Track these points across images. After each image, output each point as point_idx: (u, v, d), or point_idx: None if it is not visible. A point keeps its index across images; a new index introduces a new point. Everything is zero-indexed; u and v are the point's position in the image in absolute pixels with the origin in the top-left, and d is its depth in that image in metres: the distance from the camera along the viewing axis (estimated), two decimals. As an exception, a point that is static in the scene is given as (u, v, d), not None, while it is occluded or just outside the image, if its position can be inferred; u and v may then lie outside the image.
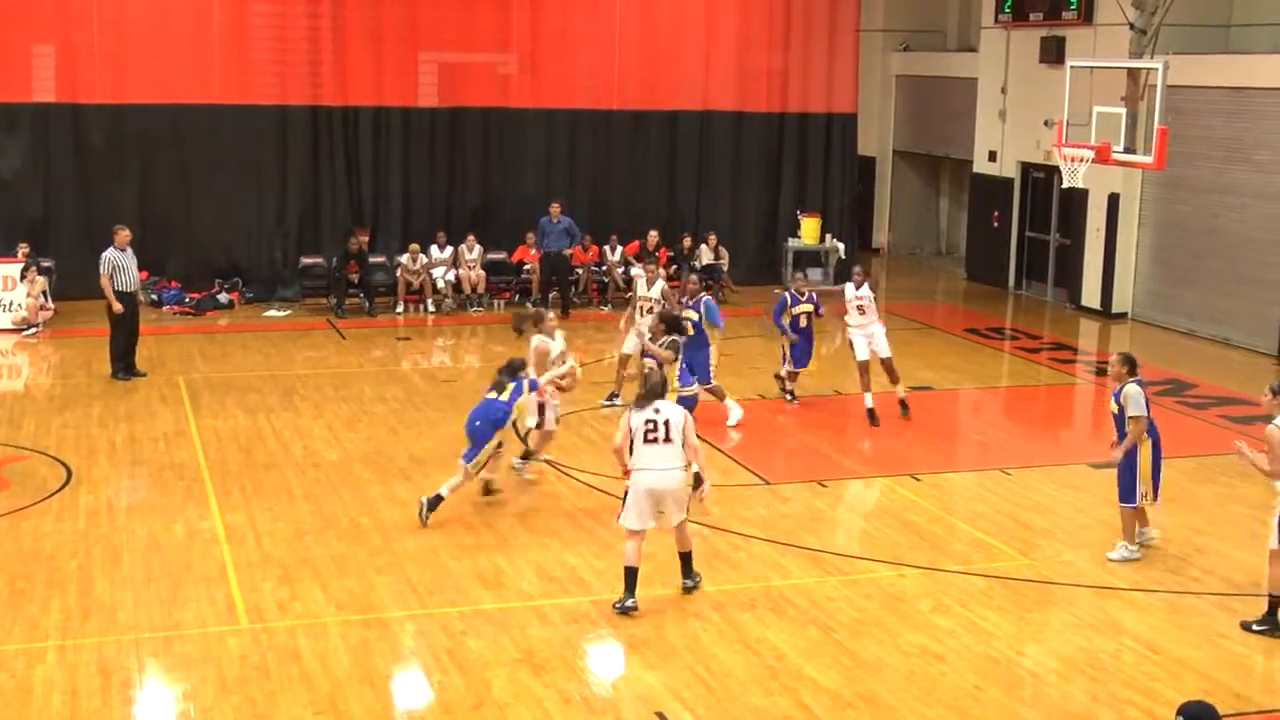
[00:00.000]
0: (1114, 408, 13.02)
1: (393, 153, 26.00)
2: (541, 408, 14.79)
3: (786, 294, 18.38)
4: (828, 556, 13.06)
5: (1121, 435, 12.93)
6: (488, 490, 14.41)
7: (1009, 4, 27.77)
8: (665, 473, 11.57)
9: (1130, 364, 13.07)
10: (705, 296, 17.58)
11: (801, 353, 18.26)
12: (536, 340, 15.26)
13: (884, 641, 11.22)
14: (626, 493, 11.76)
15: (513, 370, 14.00)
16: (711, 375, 17.23)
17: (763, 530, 13.69)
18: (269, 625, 11.23)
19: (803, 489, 15.11)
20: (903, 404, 17.81)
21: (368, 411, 17.95)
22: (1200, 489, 15.32)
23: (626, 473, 11.73)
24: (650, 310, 17.80)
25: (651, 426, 11.60)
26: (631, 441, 11.62)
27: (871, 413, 17.57)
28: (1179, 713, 6.98)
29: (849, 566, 12.84)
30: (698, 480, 12.54)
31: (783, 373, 18.57)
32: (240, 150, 25.14)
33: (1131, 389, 12.90)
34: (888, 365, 17.82)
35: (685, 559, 12.07)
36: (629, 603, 11.58)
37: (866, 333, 17.90)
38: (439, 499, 13.59)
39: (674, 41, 27.34)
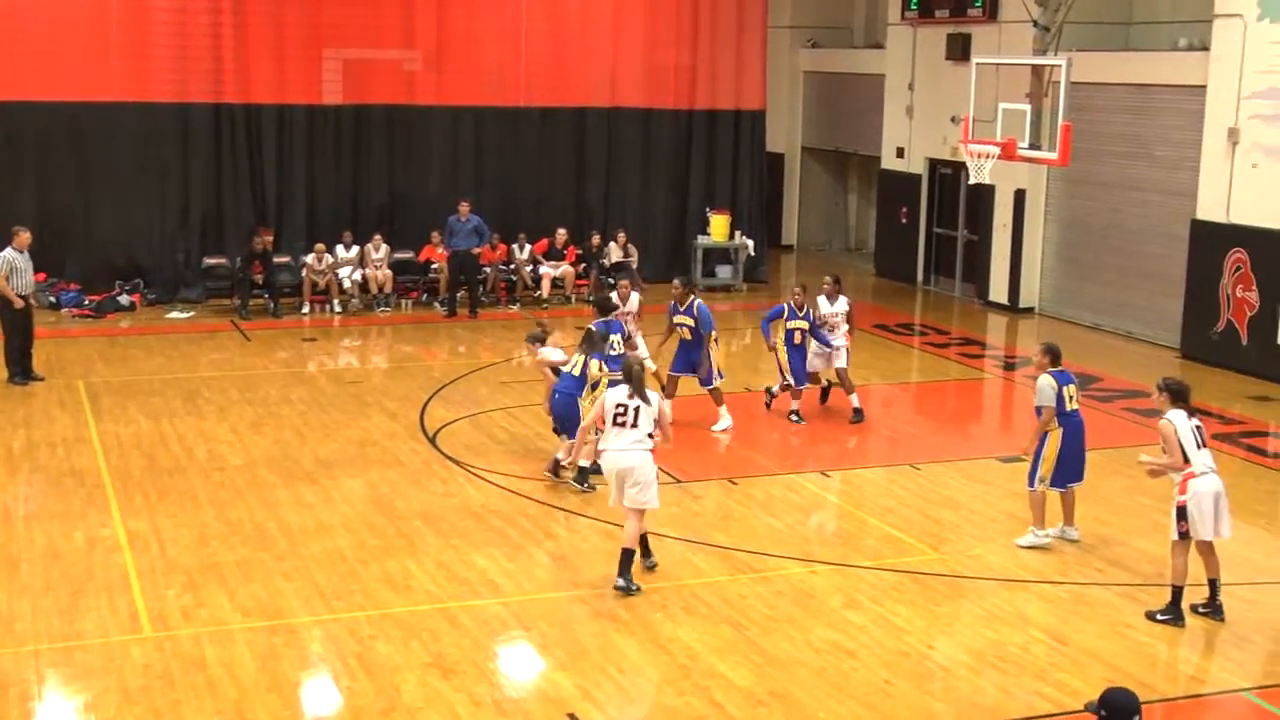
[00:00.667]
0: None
1: (297, 151, 25.77)
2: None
3: (786, 305, 17.67)
4: (739, 554, 13.11)
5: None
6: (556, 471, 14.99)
7: (915, 1, 28.04)
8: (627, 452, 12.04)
9: (1052, 354, 13.33)
10: (696, 299, 17.45)
11: (799, 371, 17.61)
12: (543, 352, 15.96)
13: (795, 638, 11.28)
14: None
15: (592, 342, 15.07)
16: (715, 378, 17.20)
17: (674, 529, 13.71)
18: (173, 633, 11.08)
19: (714, 487, 15.16)
20: (857, 411, 17.77)
21: (273, 414, 17.79)
22: (1105, 481, 15.55)
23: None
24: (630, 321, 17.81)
25: (622, 410, 12.07)
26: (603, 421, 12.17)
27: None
28: (1101, 703, 7.04)
29: (760, 564, 12.90)
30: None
31: (775, 388, 18.00)
32: (141, 149, 24.78)
33: (1042, 379, 13.15)
34: (842, 375, 17.83)
35: (642, 540, 12.37)
36: (620, 583, 11.98)
37: (826, 352, 17.70)
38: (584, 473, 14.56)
39: (582, 38, 27.32)
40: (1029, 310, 25.99)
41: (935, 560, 13.14)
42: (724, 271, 28.18)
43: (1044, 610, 11.99)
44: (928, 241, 28.88)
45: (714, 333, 17.29)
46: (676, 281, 17.51)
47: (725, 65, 28.67)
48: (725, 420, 17.30)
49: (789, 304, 17.68)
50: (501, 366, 20.92)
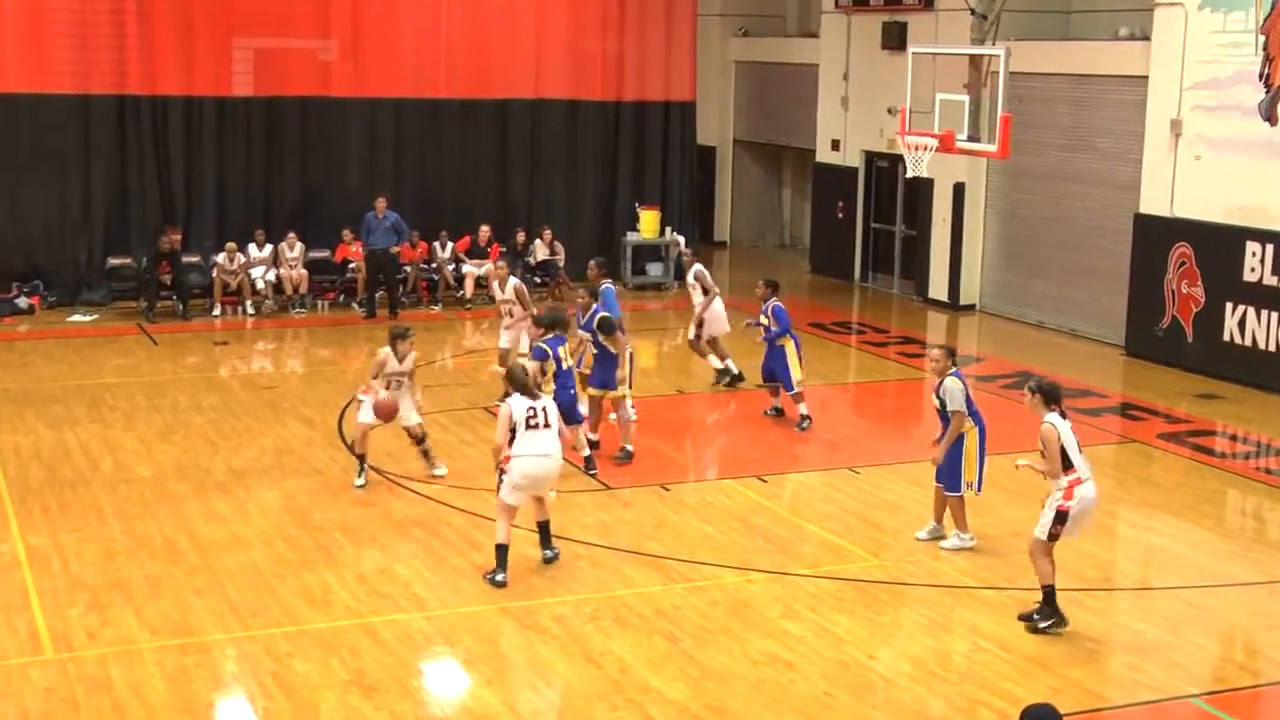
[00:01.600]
0: (935, 402, 13.40)
1: (206, 145, 25.52)
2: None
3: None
4: (672, 563, 13.12)
5: (944, 427, 13.29)
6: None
7: (849, -12, 28.22)
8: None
9: (951, 356, 13.48)
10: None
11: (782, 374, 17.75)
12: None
13: (732, 650, 11.29)
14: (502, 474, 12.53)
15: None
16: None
17: (604, 537, 13.70)
18: (77, 654, 10.94)
19: (645, 493, 15.16)
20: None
21: (183, 422, 17.62)
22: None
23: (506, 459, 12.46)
24: (512, 313, 17.87)
25: (532, 413, 12.43)
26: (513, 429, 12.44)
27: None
28: (1022, 717, 7.07)
29: (694, 573, 12.91)
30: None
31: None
32: (38, 143, 24.47)
33: (950, 382, 13.30)
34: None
35: (544, 528, 12.93)
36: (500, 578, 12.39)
37: None
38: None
39: (504, 26, 27.25)
40: (970, 307, 26.20)
41: (876, 567, 13.20)
42: (655, 269, 28.20)
43: (989, 617, 12.07)
44: (865, 237, 29.03)
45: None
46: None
47: (654, 55, 28.71)
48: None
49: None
50: (423, 370, 20.80)
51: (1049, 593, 11.77)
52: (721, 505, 14.88)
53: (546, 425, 12.40)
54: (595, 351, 16.19)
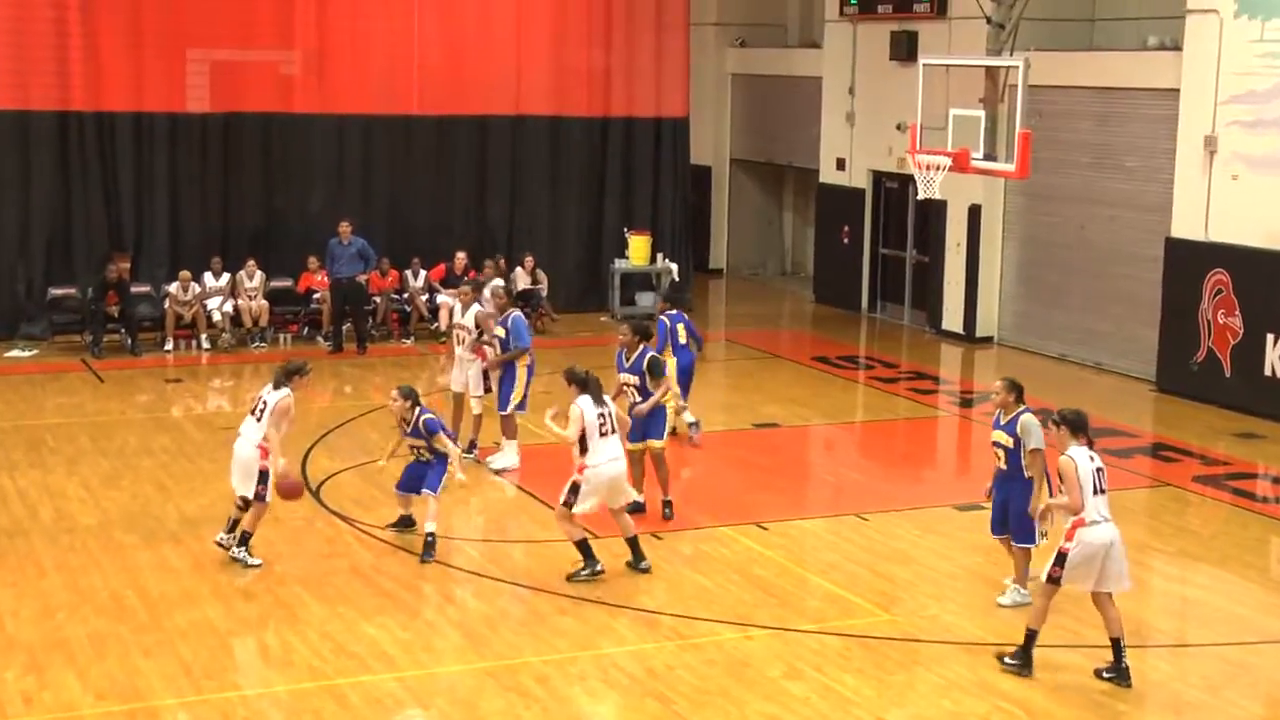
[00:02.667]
0: (1006, 439, 13.22)
1: (157, 166, 25.53)
2: None
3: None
4: (665, 618, 13.08)
5: (1014, 470, 13.16)
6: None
7: (855, -5, 28.33)
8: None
9: (1018, 391, 13.37)
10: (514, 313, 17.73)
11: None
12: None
13: (730, 713, 11.24)
14: (575, 485, 13.46)
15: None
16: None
17: (591, 591, 13.66)
18: (14, 720, 10.89)
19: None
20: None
21: (131, 466, 17.58)
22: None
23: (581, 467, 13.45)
24: (464, 341, 17.78)
25: (603, 420, 13.53)
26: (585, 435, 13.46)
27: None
28: None
29: (689, 629, 12.86)
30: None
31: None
32: (-27, 164, 24.53)
33: (1027, 419, 13.16)
34: None
35: (634, 543, 14.02)
36: (599, 567, 13.73)
37: None
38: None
39: (482, 37, 27.33)
40: (987, 340, 26.22)
41: (886, 622, 13.15)
42: (645, 299, 28.19)
43: (1008, 677, 12.01)
44: (872, 264, 29.06)
45: None
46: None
47: (643, 67, 28.77)
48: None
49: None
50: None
51: (1029, 636, 11.95)
52: (718, 555, 14.83)
53: (614, 430, 13.64)
54: (638, 400, 15.42)
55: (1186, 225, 21.98)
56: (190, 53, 25.51)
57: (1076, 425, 11.99)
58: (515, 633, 12.62)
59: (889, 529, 15.67)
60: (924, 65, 20.90)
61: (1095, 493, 11.73)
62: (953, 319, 26.70)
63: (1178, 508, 16.98)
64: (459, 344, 17.96)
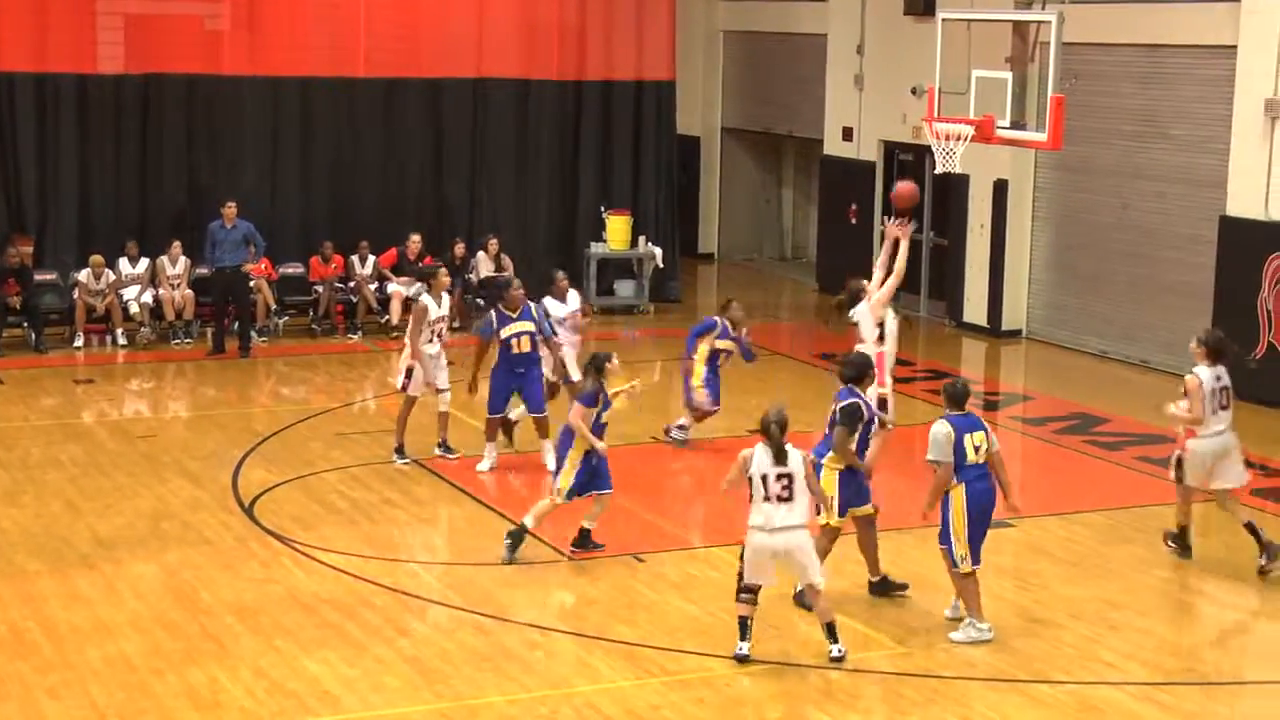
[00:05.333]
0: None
1: (64, 135, 25.50)
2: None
3: (718, 320, 19.36)
4: (648, 651, 13.09)
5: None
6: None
7: (864, -60, 28.42)
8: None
9: (951, 397, 13.56)
10: None
11: (715, 392, 19.22)
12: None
13: (723, 759, 11.29)
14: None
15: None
16: None
17: (564, 620, 13.68)
18: (-98, 770, 10.89)
19: (614, 565, 15.14)
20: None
21: (35, 480, 17.56)
22: (1114, 551, 15.73)
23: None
24: (439, 334, 18.10)
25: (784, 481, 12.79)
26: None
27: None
28: None
29: (675, 663, 12.89)
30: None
31: (684, 420, 19.24)
32: None
33: (935, 427, 13.34)
34: None
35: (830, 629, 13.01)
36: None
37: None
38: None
39: (438, -12, 27.38)
40: (1015, 334, 26.28)
41: (901, 655, 13.19)
42: (625, 288, 28.23)
43: (1039, 717, 12.06)
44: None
45: None
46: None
47: (623, 24, 28.79)
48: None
49: (723, 321, 19.14)
50: (339, 412, 20.80)
51: (1182, 530, 15.41)
52: (708, 579, 14.85)
53: (792, 497, 12.72)
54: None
55: (1244, 202, 22.06)
56: (101, 4, 25.46)
57: (1215, 350, 15.33)
58: (476, 669, 12.61)
59: (903, 550, 15.68)
60: (943, 20, 20.91)
61: (1216, 409, 15.12)
62: (976, 310, 26.75)
63: (1233, 525, 16.97)
64: (434, 340, 18.08)
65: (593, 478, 15.00)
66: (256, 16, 26.29)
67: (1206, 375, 15.15)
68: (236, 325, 24.12)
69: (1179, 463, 15.22)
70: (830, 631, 12.85)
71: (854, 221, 29.31)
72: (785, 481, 12.66)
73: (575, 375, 18.30)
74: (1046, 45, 19.10)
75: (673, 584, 14.70)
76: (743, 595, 12.82)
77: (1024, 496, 16.52)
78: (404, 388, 18.24)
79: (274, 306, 25.23)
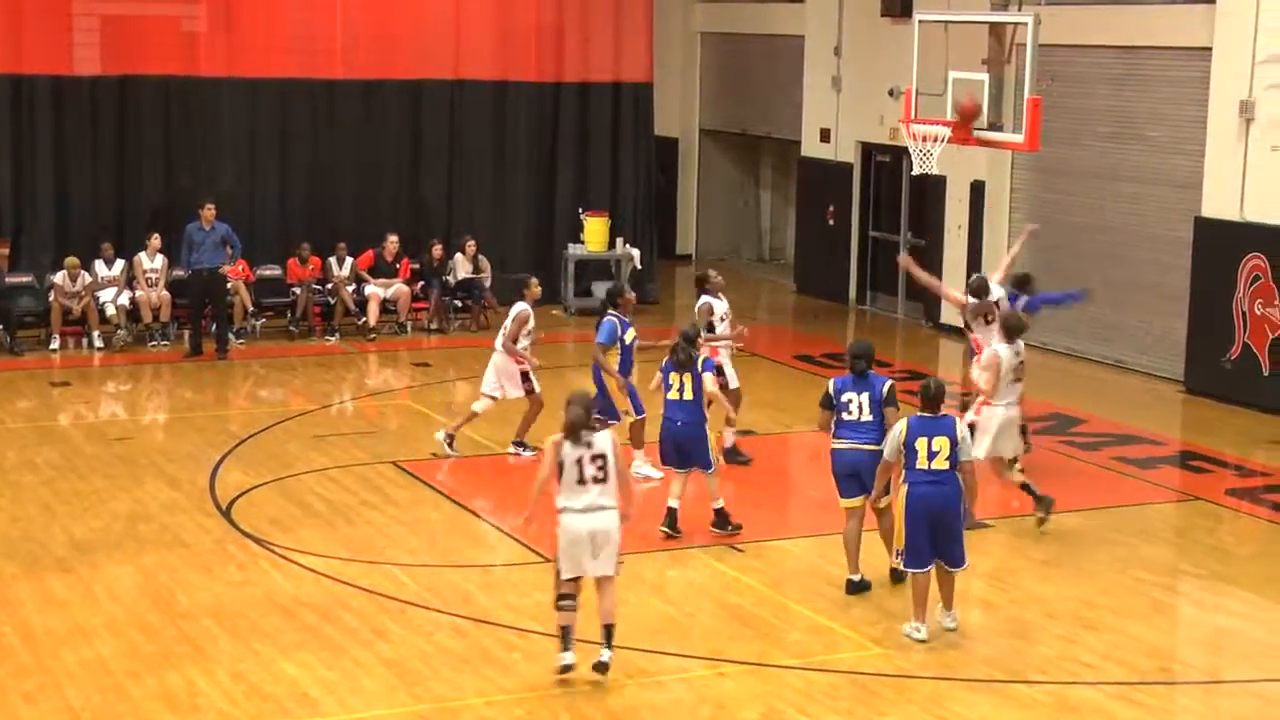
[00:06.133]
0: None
1: (40, 136, 25.42)
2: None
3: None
4: (627, 653, 13.06)
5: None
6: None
7: (841, -58, 28.43)
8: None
9: (922, 397, 13.52)
10: None
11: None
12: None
13: (701, 761, 11.29)
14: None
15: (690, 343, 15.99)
16: None
17: (542, 622, 13.64)
18: (-122, 774, 10.86)
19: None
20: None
21: (11, 483, 17.52)
22: (1092, 552, 15.74)
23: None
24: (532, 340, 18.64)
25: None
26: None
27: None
28: None
29: (653, 664, 12.89)
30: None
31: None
32: None
33: (895, 425, 13.53)
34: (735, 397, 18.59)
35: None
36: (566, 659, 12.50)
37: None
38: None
39: (415, -10, 27.35)
40: (992, 335, 26.27)
41: (878, 656, 13.19)
42: (603, 289, 28.12)
43: (1017, 718, 12.07)
44: (862, 249, 29.15)
45: None
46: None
47: (601, 25, 28.78)
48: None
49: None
50: (317, 414, 20.76)
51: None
52: (687, 580, 14.86)
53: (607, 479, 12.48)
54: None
55: (1219, 203, 22.10)
56: (77, 5, 25.42)
57: (1011, 329, 16.43)
58: (455, 671, 12.60)
59: (881, 551, 15.68)
60: (920, 22, 20.97)
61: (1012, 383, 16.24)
62: (953, 312, 26.72)
63: (1209, 525, 17.06)
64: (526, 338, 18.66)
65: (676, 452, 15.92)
66: (234, 18, 26.24)
67: (1006, 352, 16.20)
68: (214, 327, 24.08)
69: (973, 429, 15.56)
70: (608, 635, 12.50)
71: (832, 223, 29.33)
72: (600, 462, 12.43)
73: (734, 383, 18.69)
74: (1023, 47, 19.16)
75: (651, 585, 14.69)
76: (563, 602, 12.44)
77: (1006, 496, 16.70)
78: (529, 392, 18.63)
79: (251, 308, 25.18)
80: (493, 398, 18.65)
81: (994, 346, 16.41)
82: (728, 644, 13.38)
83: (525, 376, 18.54)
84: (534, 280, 19.49)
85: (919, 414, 13.39)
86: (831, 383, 14.47)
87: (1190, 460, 19.55)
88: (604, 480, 12.40)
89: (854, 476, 14.27)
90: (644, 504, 17.19)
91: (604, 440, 12.47)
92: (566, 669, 12.37)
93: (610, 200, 28.90)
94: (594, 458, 12.41)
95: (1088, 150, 24.65)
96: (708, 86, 33.18)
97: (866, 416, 14.19)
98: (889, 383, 14.42)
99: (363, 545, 15.54)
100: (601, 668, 12.35)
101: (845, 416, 14.27)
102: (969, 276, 26.14)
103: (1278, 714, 12.28)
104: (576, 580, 12.42)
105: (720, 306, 18.58)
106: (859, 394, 14.24)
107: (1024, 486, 16.23)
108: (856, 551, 14.45)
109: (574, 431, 12.32)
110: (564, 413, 12.42)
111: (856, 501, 14.35)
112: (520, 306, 18.70)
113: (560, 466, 12.34)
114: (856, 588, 14.41)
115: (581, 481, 12.37)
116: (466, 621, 13.62)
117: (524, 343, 18.60)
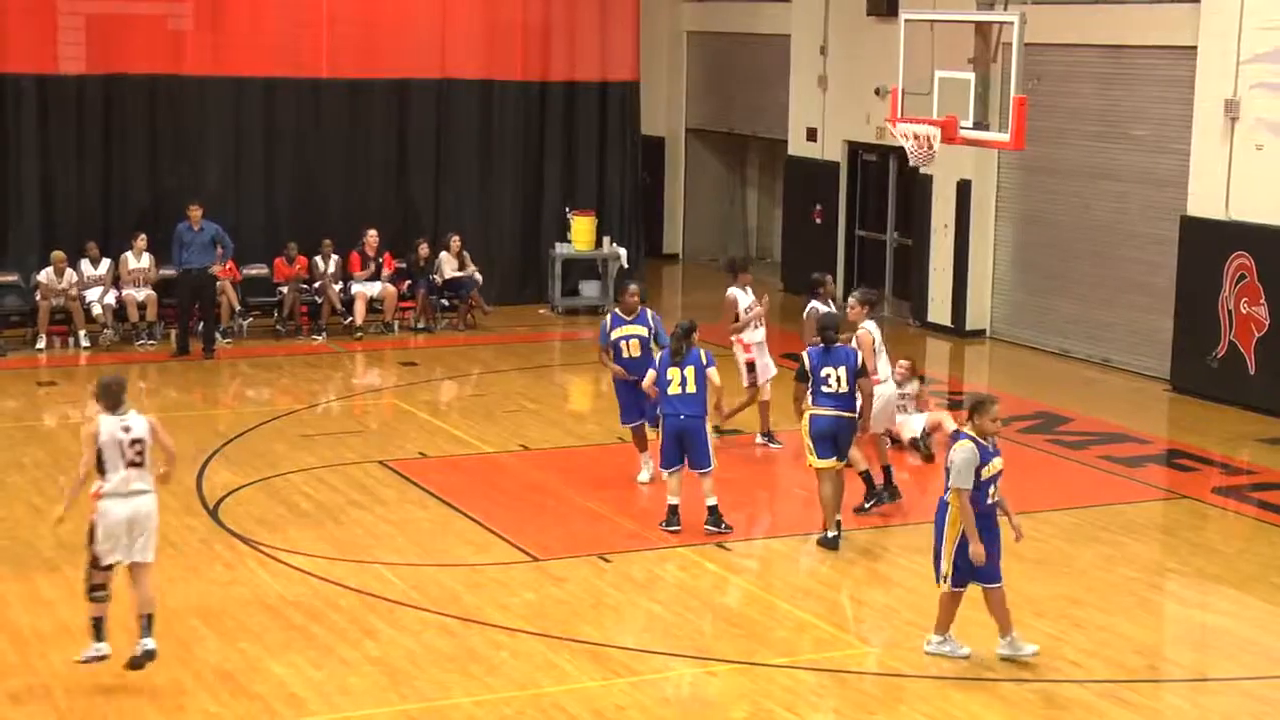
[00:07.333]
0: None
1: (25, 136, 25.35)
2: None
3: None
4: (614, 652, 13.09)
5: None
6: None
7: (828, -59, 28.43)
8: None
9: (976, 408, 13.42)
10: None
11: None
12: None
13: (689, 760, 11.29)
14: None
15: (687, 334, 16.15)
16: None
17: (530, 621, 13.66)
18: None
19: (580, 565, 15.13)
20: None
21: (-2, 482, 17.50)
22: (1079, 550, 15.76)
23: None
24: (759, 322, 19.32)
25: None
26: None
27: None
28: None
29: (641, 663, 12.89)
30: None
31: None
32: None
33: (959, 449, 12.98)
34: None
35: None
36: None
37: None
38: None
39: (401, -11, 27.32)
40: (978, 334, 26.33)
41: (866, 655, 13.21)
42: (590, 289, 28.20)
43: (1006, 716, 12.08)
44: (848, 248, 29.16)
45: None
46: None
47: (587, 24, 28.76)
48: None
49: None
50: (304, 415, 20.73)
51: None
52: (674, 579, 14.86)
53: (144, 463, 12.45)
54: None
55: (1204, 202, 22.12)
56: (62, 4, 25.35)
57: (869, 303, 16.88)
58: (443, 670, 12.58)
59: (869, 549, 15.72)
60: (906, 21, 20.96)
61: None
62: (940, 310, 26.79)
63: (1195, 523, 17.08)
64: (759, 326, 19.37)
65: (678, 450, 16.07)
66: (220, 17, 26.20)
67: (873, 327, 16.81)
68: (201, 326, 24.03)
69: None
70: (148, 624, 12.42)
71: (818, 222, 29.34)
72: (138, 447, 12.43)
73: (767, 394, 19.49)
74: (1009, 46, 19.16)
75: (639, 584, 14.69)
76: (96, 593, 12.39)
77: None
78: (752, 384, 19.42)
79: (238, 308, 25.14)
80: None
81: (864, 326, 16.72)
82: (714, 643, 13.39)
83: (750, 366, 19.30)
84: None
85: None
86: (806, 356, 15.79)
87: (1177, 458, 19.58)
88: (141, 465, 12.46)
89: (830, 440, 15.46)
90: (644, 503, 17.23)
91: (140, 424, 12.50)
92: (100, 659, 12.33)
93: (597, 199, 28.89)
94: (132, 442, 12.47)
95: (1074, 149, 24.66)
96: (694, 86, 33.17)
97: (844, 388, 15.50)
98: (859, 354, 15.93)
99: (350, 545, 15.52)
100: (147, 657, 12.26)
101: (825, 389, 15.53)
102: (955, 275, 26.32)
103: (1265, 711, 12.29)
104: (110, 569, 12.43)
105: (745, 299, 19.21)
106: (835, 368, 15.52)
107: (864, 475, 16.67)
108: (835, 510, 15.50)
109: (111, 407, 12.47)
110: (98, 390, 12.58)
111: (830, 463, 15.48)
112: (731, 290, 19.28)
113: (100, 451, 12.39)
114: (830, 543, 15.47)
115: (125, 464, 12.43)
116: (454, 621, 13.61)
117: (751, 325, 19.28)
